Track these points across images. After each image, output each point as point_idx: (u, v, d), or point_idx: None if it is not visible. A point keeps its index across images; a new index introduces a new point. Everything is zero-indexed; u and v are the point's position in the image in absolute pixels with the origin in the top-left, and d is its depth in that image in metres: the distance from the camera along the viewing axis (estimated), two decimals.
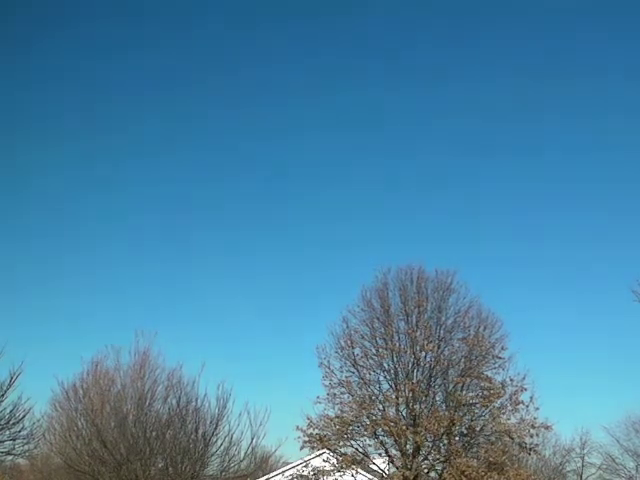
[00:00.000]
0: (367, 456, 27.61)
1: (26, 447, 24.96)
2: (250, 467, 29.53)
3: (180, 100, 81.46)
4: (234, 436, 27.75)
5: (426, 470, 27.10)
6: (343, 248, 74.53)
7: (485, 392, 26.82)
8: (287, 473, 32.75)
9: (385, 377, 27.66)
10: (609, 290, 64.06)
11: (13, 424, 22.53)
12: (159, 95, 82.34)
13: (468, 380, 26.71)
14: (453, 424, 26.18)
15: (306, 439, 26.93)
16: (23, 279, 74.74)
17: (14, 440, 23.49)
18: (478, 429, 26.78)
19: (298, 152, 79.99)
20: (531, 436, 26.69)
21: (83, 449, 28.30)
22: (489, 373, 27.39)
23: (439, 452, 26.97)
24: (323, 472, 27.21)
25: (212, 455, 28.29)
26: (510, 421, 26.58)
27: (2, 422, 22.27)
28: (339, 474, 26.97)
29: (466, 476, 25.17)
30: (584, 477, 54.04)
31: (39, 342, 63.19)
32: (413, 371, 27.23)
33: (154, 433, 27.20)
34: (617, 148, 75.09)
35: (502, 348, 27.34)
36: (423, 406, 26.94)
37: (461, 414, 26.69)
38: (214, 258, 75.15)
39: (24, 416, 22.82)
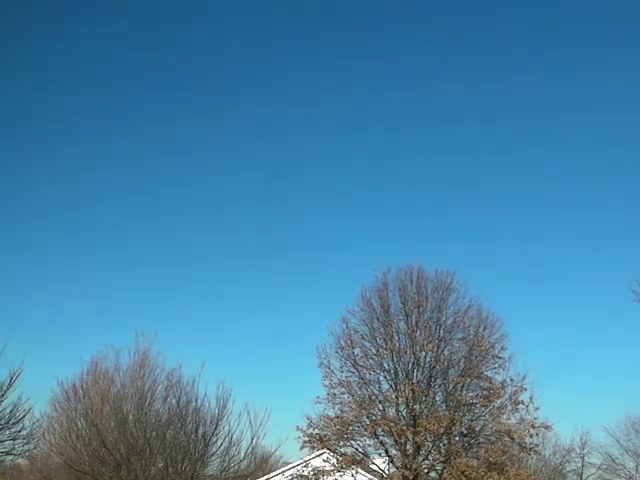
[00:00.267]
0: (367, 456, 27.61)
1: (26, 447, 24.88)
2: (250, 467, 29.51)
3: (180, 100, 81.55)
4: (234, 436, 27.78)
5: (426, 470, 27.10)
6: (343, 248, 74.66)
7: (485, 392, 26.84)
8: (287, 473, 32.76)
9: (385, 377, 27.67)
10: (609, 290, 64.16)
11: (13, 424, 22.48)
12: (159, 95, 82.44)
13: (468, 380, 26.71)
14: (453, 424, 26.18)
15: (306, 439, 26.94)
16: (23, 280, 74.82)
17: (14, 440, 23.44)
18: (478, 429, 26.78)
19: (298, 152, 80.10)
20: (531, 436, 26.69)
21: (83, 449, 28.29)
22: (489, 373, 27.44)
23: (439, 452, 26.96)
24: (323, 472, 27.22)
25: (212, 455, 28.29)
26: (510, 421, 26.61)
27: (2, 422, 22.23)
28: (339, 474, 26.97)
29: (466, 476, 25.17)
30: (584, 477, 54.08)
31: (39, 342, 63.35)
32: (413, 371, 27.22)
33: (154, 433, 27.19)
34: (617, 147, 75.22)
35: (502, 348, 27.36)
36: (423, 406, 26.93)
37: (461, 414, 26.70)
38: (214, 258, 75.24)
39: (24, 416, 22.77)
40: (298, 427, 26.93)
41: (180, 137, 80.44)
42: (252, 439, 27.55)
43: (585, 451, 53.40)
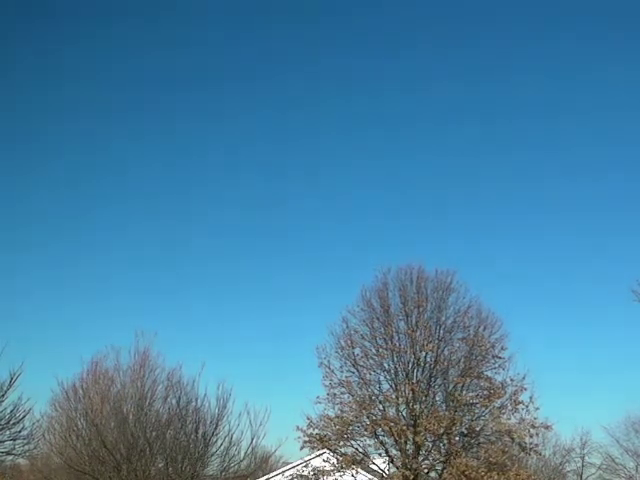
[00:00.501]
0: (367, 456, 27.61)
1: (26, 447, 24.88)
2: (250, 467, 29.50)
3: (180, 100, 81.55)
4: (234, 436, 27.75)
5: (426, 470, 27.10)
6: (343, 248, 74.64)
7: (485, 392, 26.84)
8: (287, 473, 32.76)
9: (385, 377, 27.69)
10: (609, 290, 64.19)
11: (13, 424, 22.46)
12: (159, 95, 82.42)
13: (468, 380, 26.71)
14: (453, 424, 26.18)
15: (306, 439, 26.94)
16: (24, 280, 74.82)
17: (14, 440, 23.43)
18: (478, 429, 26.79)
19: (298, 153, 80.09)
20: (531, 436, 26.71)
21: (83, 449, 28.26)
22: (489, 373, 27.46)
23: (439, 452, 26.96)
24: (323, 472, 27.22)
25: (212, 455, 28.27)
26: (510, 421, 26.62)
27: (2, 422, 22.22)
28: (339, 474, 26.98)
29: (466, 476, 25.16)
30: (584, 477, 54.10)
31: (39, 342, 63.35)
32: (413, 371, 27.22)
33: (154, 433, 27.18)
34: (617, 147, 75.23)
35: (502, 348, 27.37)
36: (423, 406, 26.92)
37: (461, 414, 26.70)
38: (214, 258, 75.26)
39: (24, 416, 22.74)
40: (298, 427, 26.98)
41: (180, 137, 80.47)
42: (252, 439, 27.57)
43: (585, 451, 53.51)
